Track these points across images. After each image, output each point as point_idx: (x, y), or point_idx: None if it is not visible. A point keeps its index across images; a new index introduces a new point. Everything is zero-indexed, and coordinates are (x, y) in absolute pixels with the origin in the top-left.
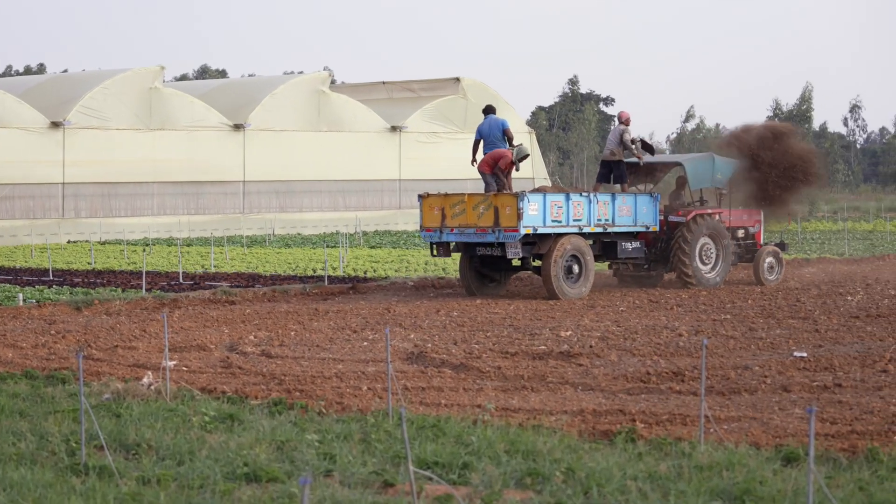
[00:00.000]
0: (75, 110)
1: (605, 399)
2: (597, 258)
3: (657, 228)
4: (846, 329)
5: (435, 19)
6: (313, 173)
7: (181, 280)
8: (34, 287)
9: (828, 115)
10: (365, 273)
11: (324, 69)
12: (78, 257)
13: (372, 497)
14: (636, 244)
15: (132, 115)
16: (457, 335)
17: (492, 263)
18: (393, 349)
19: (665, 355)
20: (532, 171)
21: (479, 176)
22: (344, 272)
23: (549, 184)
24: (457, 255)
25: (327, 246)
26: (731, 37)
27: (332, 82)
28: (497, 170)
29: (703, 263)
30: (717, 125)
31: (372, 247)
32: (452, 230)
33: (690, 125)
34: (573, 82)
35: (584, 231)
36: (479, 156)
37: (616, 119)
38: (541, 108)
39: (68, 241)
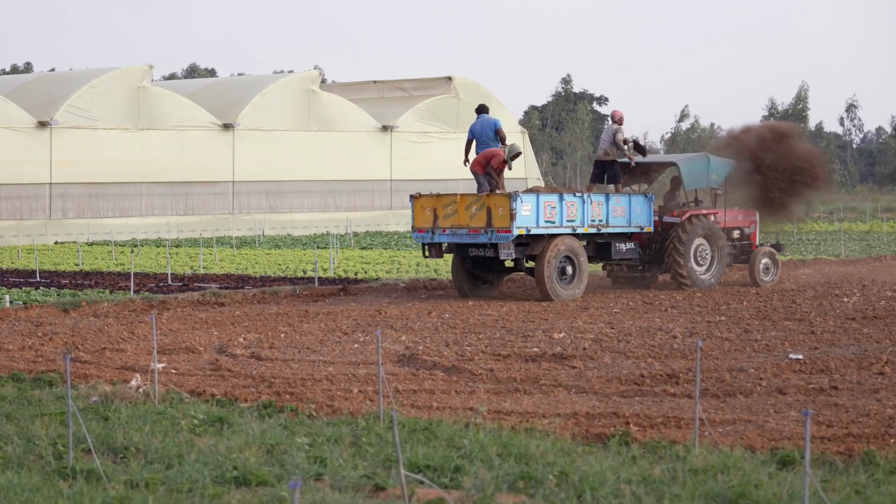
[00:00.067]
0: (62, 110)
1: (599, 402)
2: (590, 259)
3: (651, 229)
4: (842, 331)
5: (427, 18)
6: (303, 173)
7: (170, 281)
8: (21, 289)
9: (824, 115)
10: (356, 274)
11: (314, 68)
12: (65, 258)
13: (363, 501)
14: (630, 245)
15: (120, 114)
16: (449, 337)
17: (484, 264)
18: (384, 351)
19: (659, 357)
20: (525, 171)
21: (472, 176)
22: (334, 273)
23: (541, 184)
24: (449, 257)
25: (317, 247)
26: (727, 36)
27: (323, 81)
28: (489, 169)
29: (698, 264)
30: (712, 125)
31: (363, 248)
32: (444, 231)
33: (685, 125)
34: (566, 81)
35: (577, 232)
36: (472, 156)
37: (609, 118)
38: (534, 108)
39: (55, 242)
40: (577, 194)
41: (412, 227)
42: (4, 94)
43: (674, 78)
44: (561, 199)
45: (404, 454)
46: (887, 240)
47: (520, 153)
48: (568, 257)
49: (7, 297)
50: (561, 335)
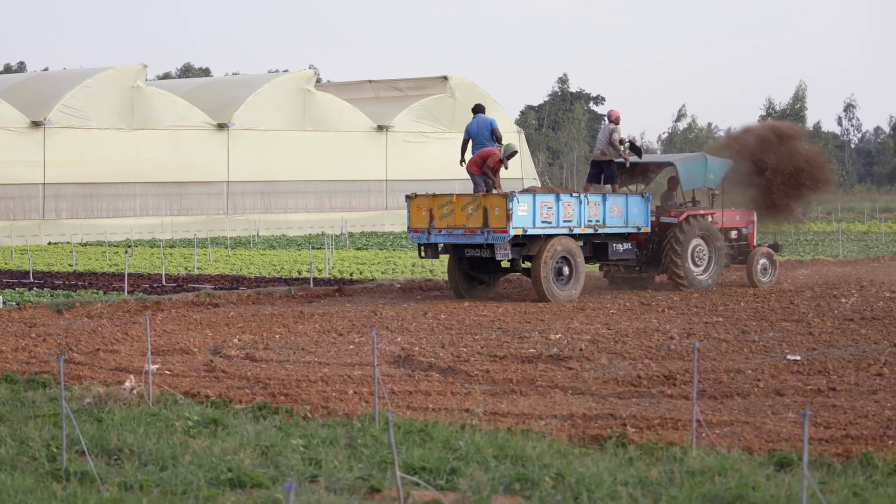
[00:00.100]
0: (56, 109)
1: (596, 403)
2: (587, 260)
3: (648, 229)
4: (840, 332)
5: (422, 17)
6: (298, 173)
7: (164, 282)
8: (14, 289)
9: (822, 115)
10: (351, 275)
11: (309, 67)
12: (59, 259)
13: (358, 503)
14: (627, 245)
15: (114, 114)
16: (444, 338)
17: (480, 265)
18: (379, 352)
19: (656, 358)
20: (521, 171)
21: (468, 176)
22: (330, 274)
23: (538, 184)
24: (445, 257)
25: (313, 247)
26: (725, 35)
27: (318, 81)
28: (486, 168)
29: (696, 265)
30: (710, 124)
31: (358, 248)
32: (440, 231)
33: (682, 124)
34: (563, 81)
35: (574, 232)
36: (468, 155)
37: (606, 118)
38: (530, 108)
39: (49, 243)
40: (574, 194)
41: (408, 228)
42: None
43: (671, 77)
44: (557, 199)
45: (400, 456)
46: (885, 240)
47: (516, 152)
48: (564, 258)
49: (0, 298)
50: (557, 336)
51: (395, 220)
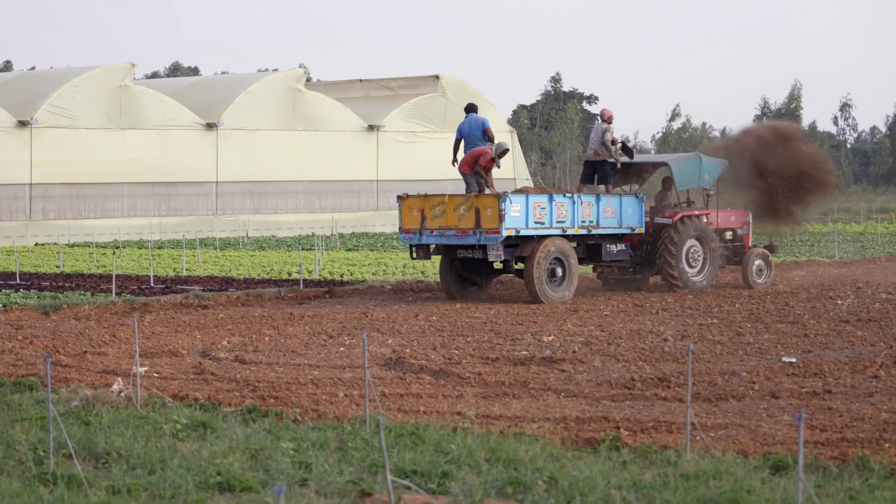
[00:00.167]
0: (43, 109)
1: (589, 406)
2: (581, 261)
3: (643, 230)
4: (836, 334)
5: (414, 16)
6: (288, 174)
7: (152, 284)
8: (0, 291)
9: (817, 114)
10: (341, 276)
11: (299, 66)
12: (46, 260)
13: None
14: (621, 246)
15: (101, 113)
16: (436, 340)
17: (473, 266)
18: (370, 355)
19: (650, 361)
20: (513, 171)
21: (460, 176)
22: (320, 275)
23: (530, 184)
24: (437, 258)
25: (303, 248)
26: (720, 35)
27: (308, 80)
28: (478, 167)
29: (690, 266)
30: (704, 124)
31: (349, 249)
32: (432, 232)
33: (676, 124)
34: (556, 80)
35: (567, 233)
36: (460, 155)
37: (599, 118)
38: (522, 107)
39: (36, 244)
40: (567, 195)
41: (399, 229)
42: None
43: (665, 77)
44: (550, 199)
45: (391, 459)
46: (882, 241)
47: (507, 150)
48: (558, 259)
49: None
50: (550, 338)
51: (386, 221)
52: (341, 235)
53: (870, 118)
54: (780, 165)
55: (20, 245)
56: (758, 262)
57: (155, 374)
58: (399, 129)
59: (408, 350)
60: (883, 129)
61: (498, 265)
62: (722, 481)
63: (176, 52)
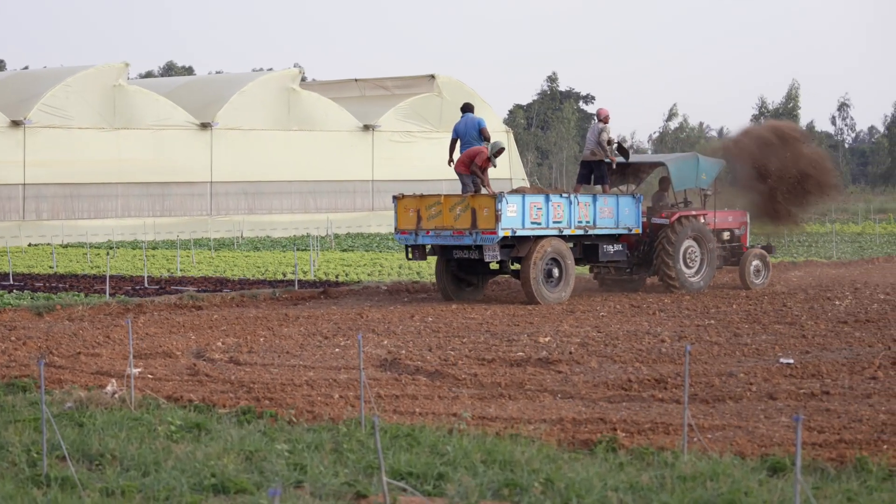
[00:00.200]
0: (36, 108)
1: (585, 407)
2: (577, 261)
3: (640, 231)
4: (834, 335)
5: (410, 14)
6: (283, 174)
7: (146, 284)
8: None
9: (815, 114)
10: (337, 277)
11: (294, 66)
12: (39, 261)
13: None
14: (618, 247)
15: (95, 113)
16: (432, 341)
17: (469, 267)
18: (366, 356)
19: (647, 362)
20: (510, 171)
21: (456, 176)
22: (315, 276)
23: (527, 184)
24: (433, 259)
25: (298, 249)
26: (717, 34)
27: (303, 80)
28: (474, 167)
29: (688, 267)
30: (701, 124)
31: (344, 250)
32: (428, 232)
33: (673, 124)
34: (552, 80)
35: (564, 233)
36: (456, 155)
37: (595, 117)
38: (518, 107)
39: (29, 244)
40: (564, 195)
41: (395, 229)
42: None
43: (662, 76)
44: (547, 199)
45: (386, 461)
46: (880, 241)
47: (503, 149)
48: (554, 259)
49: None
50: (547, 339)
51: (382, 221)
52: (336, 236)
53: (868, 118)
54: (782, 167)
55: (13, 245)
56: (755, 262)
57: (149, 376)
58: (394, 128)
59: (403, 351)
60: (881, 128)
61: (494, 266)
62: (719, 483)
63: (170, 51)
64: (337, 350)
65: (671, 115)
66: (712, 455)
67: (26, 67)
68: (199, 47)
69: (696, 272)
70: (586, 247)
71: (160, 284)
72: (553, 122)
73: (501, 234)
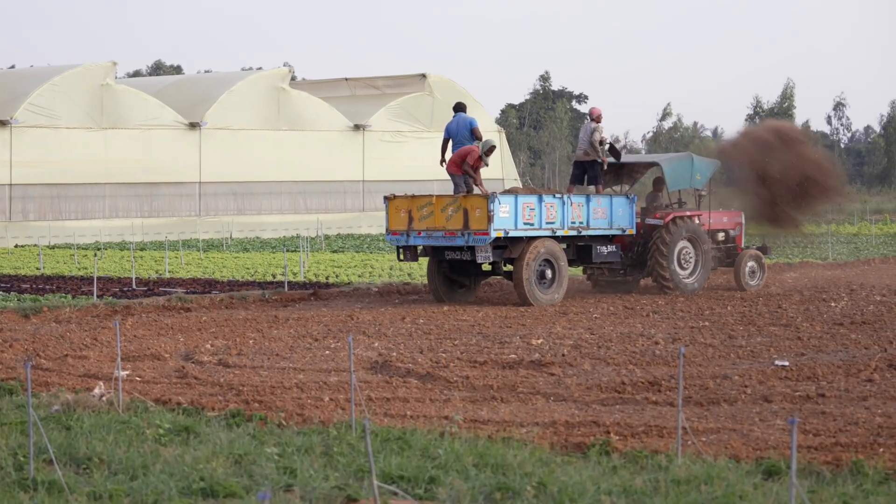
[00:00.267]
0: (23, 108)
1: (578, 410)
2: (571, 263)
3: (633, 231)
4: (830, 337)
5: (400, 13)
6: (273, 174)
7: (134, 286)
8: None
9: (811, 114)
10: (327, 278)
11: (283, 65)
12: (26, 262)
13: None
14: (612, 248)
15: (83, 113)
16: (423, 343)
17: (461, 268)
18: (356, 358)
19: (641, 364)
20: (502, 171)
21: (448, 177)
22: (305, 277)
23: (519, 185)
24: (424, 260)
25: (287, 250)
26: (711, 33)
27: (293, 79)
28: (466, 167)
29: (682, 268)
30: (695, 123)
31: (334, 251)
32: (420, 233)
33: (667, 123)
34: (544, 79)
35: (557, 234)
36: (448, 155)
37: (587, 116)
38: (511, 106)
39: (15, 246)
40: (557, 195)
41: (386, 230)
42: None
43: (656, 76)
44: (540, 200)
45: (377, 464)
46: (876, 242)
47: (494, 147)
48: (547, 260)
49: None
50: (539, 341)
51: (373, 222)
52: (327, 237)
53: (864, 118)
54: (784, 170)
55: (0, 247)
56: (750, 263)
57: (137, 378)
58: (385, 128)
59: (394, 353)
60: (877, 128)
61: (486, 267)
62: (714, 487)
63: (158, 50)
64: (327, 352)
65: (665, 114)
66: (707, 458)
67: (13, 67)
68: (187, 46)
69: (691, 273)
70: (580, 248)
71: (148, 286)
72: (546, 121)
73: (494, 234)
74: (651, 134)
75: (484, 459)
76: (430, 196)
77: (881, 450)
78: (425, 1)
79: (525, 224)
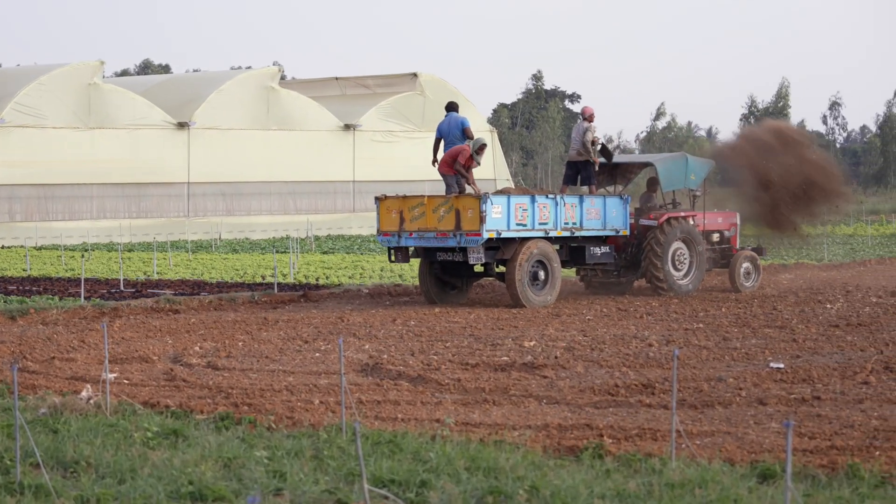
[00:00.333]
0: (9, 108)
1: (571, 413)
2: (564, 264)
3: (627, 232)
4: (825, 338)
5: (391, 11)
6: (262, 174)
7: (122, 287)
8: None
9: (806, 113)
10: (317, 280)
11: (273, 64)
12: (12, 263)
13: None
14: (605, 249)
15: (70, 112)
16: (414, 345)
17: (453, 269)
18: (347, 360)
19: (634, 366)
20: (494, 171)
21: (440, 177)
22: (295, 279)
23: (511, 185)
24: (416, 261)
25: (277, 251)
26: (706, 33)
27: (282, 78)
28: (457, 166)
29: (676, 269)
30: (690, 123)
31: (324, 252)
32: (411, 234)
33: (661, 123)
34: (537, 78)
35: (550, 235)
36: (440, 155)
37: (580, 116)
38: (503, 106)
39: (2, 247)
40: (550, 196)
41: (377, 231)
42: None
43: (649, 75)
44: (533, 200)
45: (368, 468)
46: (872, 243)
47: (485, 145)
48: (540, 262)
49: None
50: (532, 343)
51: (364, 223)
52: (317, 238)
53: (860, 117)
54: (785, 174)
55: None
56: (745, 264)
57: (125, 381)
58: (376, 128)
59: (385, 356)
60: (873, 128)
61: (479, 268)
62: (708, 490)
63: (146, 49)
64: (317, 355)
65: (659, 114)
66: (701, 462)
67: None
68: (175, 45)
69: (685, 275)
70: (573, 249)
71: (136, 287)
72: (538, 121)
73: (486, 235)
74: (645, 134)
75: (476, 463)
76: (422, 196)
77: (877, 453)
78: (416, 0)
79: (518, 225)
